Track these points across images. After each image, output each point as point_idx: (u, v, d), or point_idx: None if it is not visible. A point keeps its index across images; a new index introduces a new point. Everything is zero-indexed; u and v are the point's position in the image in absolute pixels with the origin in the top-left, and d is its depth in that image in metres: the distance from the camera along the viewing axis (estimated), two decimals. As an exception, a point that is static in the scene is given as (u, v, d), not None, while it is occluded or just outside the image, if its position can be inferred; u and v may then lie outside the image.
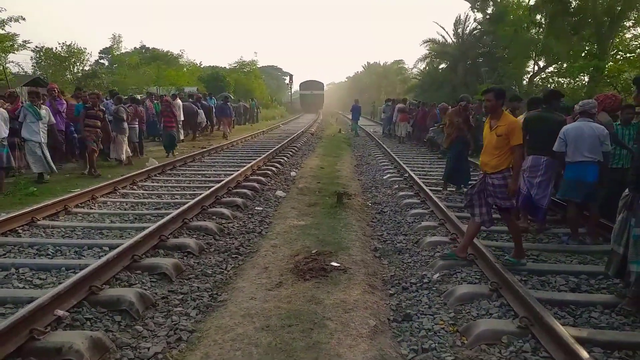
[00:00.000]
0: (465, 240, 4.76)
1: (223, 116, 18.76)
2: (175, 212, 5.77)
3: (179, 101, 15.60)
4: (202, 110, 18.26)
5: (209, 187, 7.67)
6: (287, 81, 69.27)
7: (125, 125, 10.87)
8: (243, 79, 40.41)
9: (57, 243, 4.99)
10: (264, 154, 12.13)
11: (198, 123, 17.83)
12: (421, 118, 16.40)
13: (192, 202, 6.35)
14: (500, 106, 4.55)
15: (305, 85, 54.40)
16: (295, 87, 59.48)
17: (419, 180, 8.63)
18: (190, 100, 18.94)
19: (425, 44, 30.94)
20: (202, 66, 44.94)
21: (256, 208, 7.11)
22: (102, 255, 4.52)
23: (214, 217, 6.29)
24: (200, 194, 7.06)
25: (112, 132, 10.50)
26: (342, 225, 5.98)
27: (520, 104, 8.36)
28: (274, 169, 10.43)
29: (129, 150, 11.21)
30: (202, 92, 22.98)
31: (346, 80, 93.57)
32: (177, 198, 7.49)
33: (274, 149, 13.42)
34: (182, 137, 16.15)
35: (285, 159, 12.39)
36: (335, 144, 16.92)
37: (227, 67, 46.36)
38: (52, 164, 8.65)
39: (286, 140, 16.29)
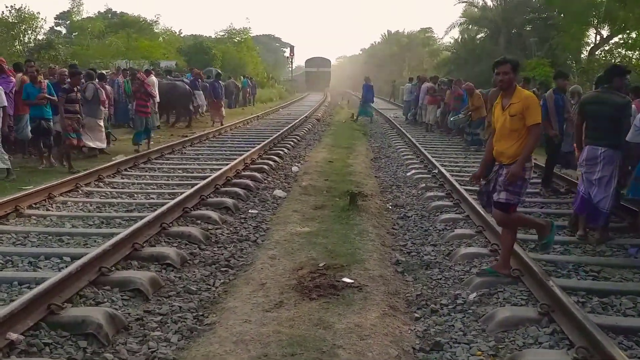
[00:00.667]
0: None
1: (216, 97, 18.72)
2: (152, 215, 5.83)
3: (153, 78, 15.67)
4: (200, 92, 18.53)
5: (193, 185, 7.73)
6: (287, 54, 69.80)
7: (100, 107, 10.98)
8: (232, 51, 40.50)
9: (7, 252, 5.06)
10: (259, 144, 12.20)
11: (195, 107, 18.12)
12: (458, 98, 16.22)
13: (171, 202, 6.41)
14: (515, 80, 4.60)
15: (311, 62, 62.95)
16: (297, 61, 61.62)
17: (451, 178, 8.65)
18: (169, 77, 18.98)
19: (460, 3, 30.87)
20: (182, 35, 45.08)
21: (250, 211, 7.16)
22: (62, 268, 4.58)
23: (199, 221, 6.35)
24: (182, 193, 7.12)
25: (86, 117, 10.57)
26: (355, 233, 6.02)
27: (566, 81, 8.43)
28: (271, 162, 10.49)
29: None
30: (181, 67, 23.00)
31: (360, 52, 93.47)
32: (152, 198, 7.56)
33: (272, 138, 13.49)
34: (157, 123, 16.22)
35: (286, 150, 12.46)
36: (346, 133, 16.95)
37: (213, 37, 46.49)
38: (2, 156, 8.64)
39: (286, 128, 16.36)
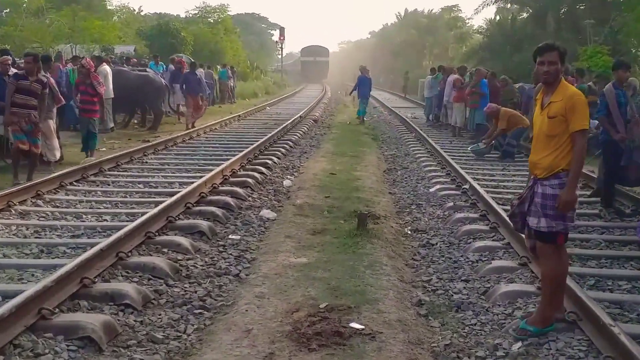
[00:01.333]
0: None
1: (192, 93, 18.65)
2: (106, 241, 5.81)
3: (106, 68, 15.66)
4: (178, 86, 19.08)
5: (157, 203, 7.74)
6: (275, 37, 71.02)
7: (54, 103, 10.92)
8: (207, 34, 40.74)
9: None
10: (241, 151, 12.22)
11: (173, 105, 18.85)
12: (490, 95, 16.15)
13: (131, 226, 6.40)
14: (561, 73, 4.57)
15: (307, 51, 71.10)
16: (289, 47, 63.97)
17: (485, 195, 8.67)
18: (125, 66, 19.09)
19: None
20: (142, 14, 45.39)
21: (231, 236, 7.16)
22: (-9, 309, 4.56)
23: (166, 249, 6.33)
24: (144, 213, 7.12)
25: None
26: (365, 265, 6.02)
27: (628, 72, 8.48)
28: (257, 175, 10.51)
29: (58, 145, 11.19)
30: (141, 54, 23.00)
31: (369, 37, 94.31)
32: (106, 220, 7.56)
33: (258, 144, 13.55)
34: (111, 125, 16.20)
35: (275, 159, 12.49)
36: (352, 137, 17.02)
37: (183, 17, 46.85)
38: None
39: (275, 131, 16.42)
